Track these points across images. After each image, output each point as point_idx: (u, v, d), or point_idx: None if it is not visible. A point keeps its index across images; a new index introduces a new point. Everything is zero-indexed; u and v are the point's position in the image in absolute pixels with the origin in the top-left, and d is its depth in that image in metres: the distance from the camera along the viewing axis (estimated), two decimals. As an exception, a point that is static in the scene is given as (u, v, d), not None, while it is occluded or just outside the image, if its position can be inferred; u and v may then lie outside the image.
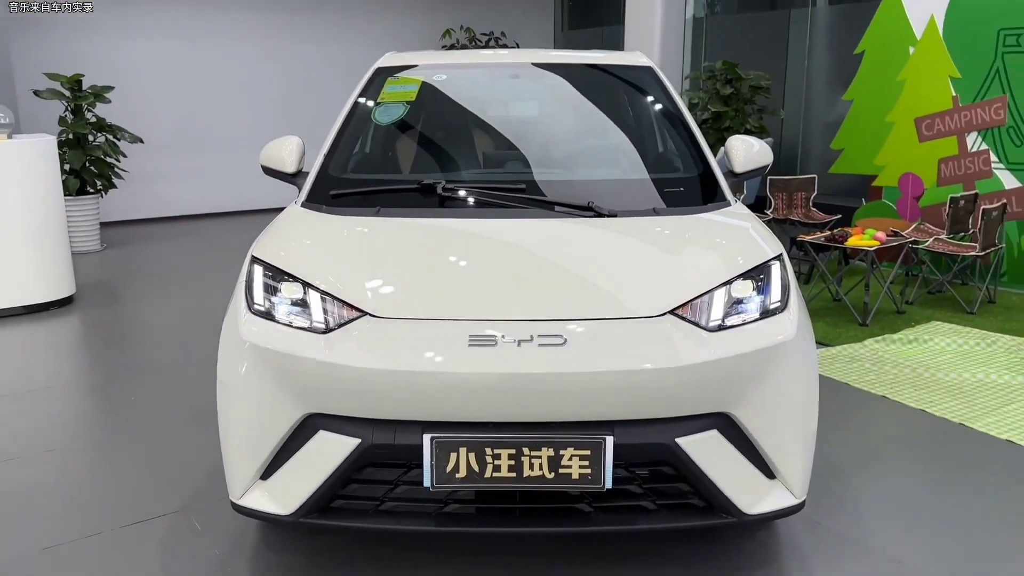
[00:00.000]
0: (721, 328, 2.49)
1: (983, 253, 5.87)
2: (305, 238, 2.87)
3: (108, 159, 8.10)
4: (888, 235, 5.84)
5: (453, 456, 2.34)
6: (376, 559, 2.75)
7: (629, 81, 3.78)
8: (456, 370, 2.33)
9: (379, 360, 2.36)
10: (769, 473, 2.53)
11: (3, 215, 5.64)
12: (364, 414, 2.40)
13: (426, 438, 2.33)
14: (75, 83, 7.95)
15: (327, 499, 2.46)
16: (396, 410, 2.37)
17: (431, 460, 2.34)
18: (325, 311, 2.49)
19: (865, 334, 5.31)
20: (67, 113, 8.02)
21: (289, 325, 2.50)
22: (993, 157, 6.64)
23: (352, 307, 2.48)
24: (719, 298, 2.54)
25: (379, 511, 2.49)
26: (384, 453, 2.39)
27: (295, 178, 3.35)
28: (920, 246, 6.06)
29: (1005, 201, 6.23)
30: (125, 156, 8.35)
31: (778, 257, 2.70)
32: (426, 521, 2.48)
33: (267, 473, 2.53)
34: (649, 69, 3.71)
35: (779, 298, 2.60)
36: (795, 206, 7.25)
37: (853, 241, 5.71)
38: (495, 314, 2.44)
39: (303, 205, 3.09)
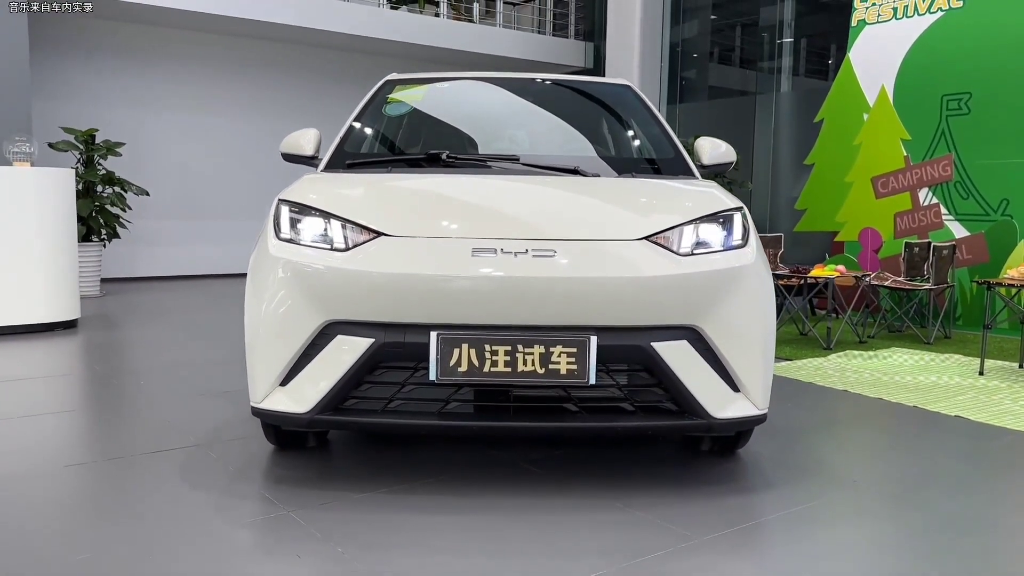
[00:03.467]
0: (690, 254, 2.87)
1: (935, 287, 6.33)
2: (326, 187, 3.26)
3: (114, 208, 8.51)
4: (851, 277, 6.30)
5: (456, 351, 2.66)
6: (380, 474, 3.00)
7: (611, 95, 4.29)
8: (460, 274, 2.69)
9: (392, 266, 2.71)
10: (734, 387, 2.86)
11: (22, 235, 5.98)
12: (377, 318, 2.72)
13: (432, 335, 2.66)
14: (89, 137, 8.44)
15: (341, 398, 2.75)
16: (406, 313, 2.71)
17: (437, 355, 2.66)
18: (345, 236, 2.85)
19: (828, 353, 5.68)
20: (79, 165, 8.47)
21: (312, 247, 2.85)
22: (943, 210, 7.21)
23: (369, 229, 2.84)
24: (688, 232, 2.93)
25: (388, 410, 2.78)
26: (395, 351, 2.71)
27: (312, 160, 3.76)
28: (879, 285, 6.52)
29: (954, 244, 6.75)
30: (131, 208, 8.77)
31: (739, 208, 3.11)
32: (430, 418, 2.77)
33: (287, 380, 2.82)
34: (628, 86, 4.23)
35: (740, 238, 3.00)
36: (764, 258, 7.72)
37: (816, 272, 6.16)
38: (495, 233, 2.81)
39: (322, 171, 3.49)
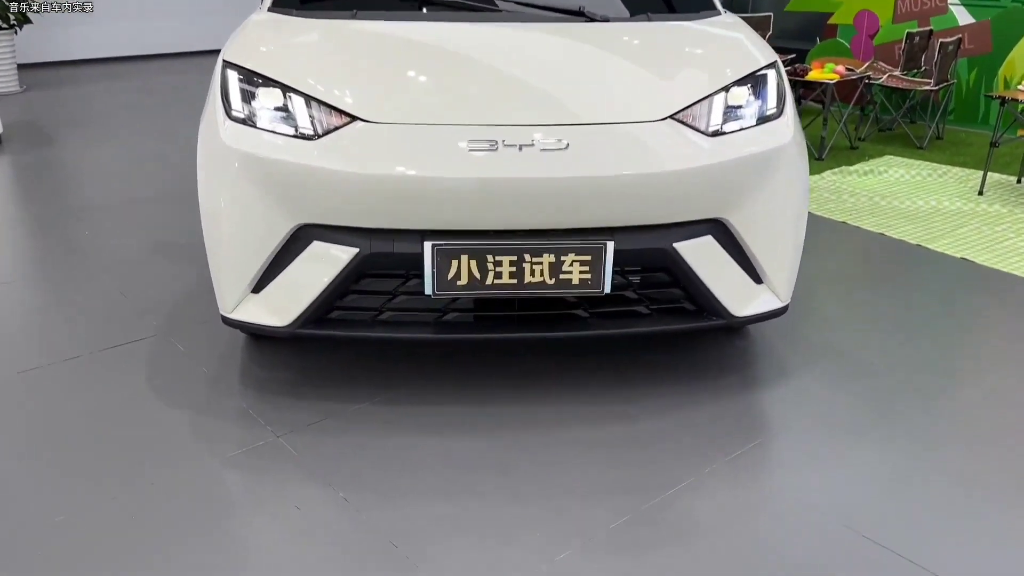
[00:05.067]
0: (719, 133, 2.47)
1: (936, 88, 5.94)
2: (279, 41, 2.69)
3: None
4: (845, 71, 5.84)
5: (455, 263, 2.32)
6: (369, 373, 2.77)
7: None
8: (456, 175, 2.27)
9: (376, 166, 2.28)
10: (757, 278, 2.60)
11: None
12: (361, 223, 2.34)
13: (427, 246, 2.30)
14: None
15: (324, 310, 2.43)
16: (394, 219, 2.32)
17: (432, 268, 2.32)
18: (311, 117, 2.37)
19: (822, 167, 5.40)
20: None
21: (273, 132, 2.38)
22: (950, -8, 6.60)
23: (340, 112, 2.36)
24: (717, 104, 2.51)
25: (377, 321, 2.48)
26: (383, 262, 2.36)
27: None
28: (876, 83, 6.09)
29: (959, 37, 6.25)
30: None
31: (772, 65, 2.66)
32: (425, 329, 2.48)
33: (259, 287, 2.47)
34: None
35: (775, 105, 2.59)
36: (752, 44, 7.14)
37: (814, 75, 5.69)
38: (494, 119, 2.36)
39: (270, 10, 2.89)
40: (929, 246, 4.03)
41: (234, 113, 2.43)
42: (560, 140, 2.33)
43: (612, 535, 2.07)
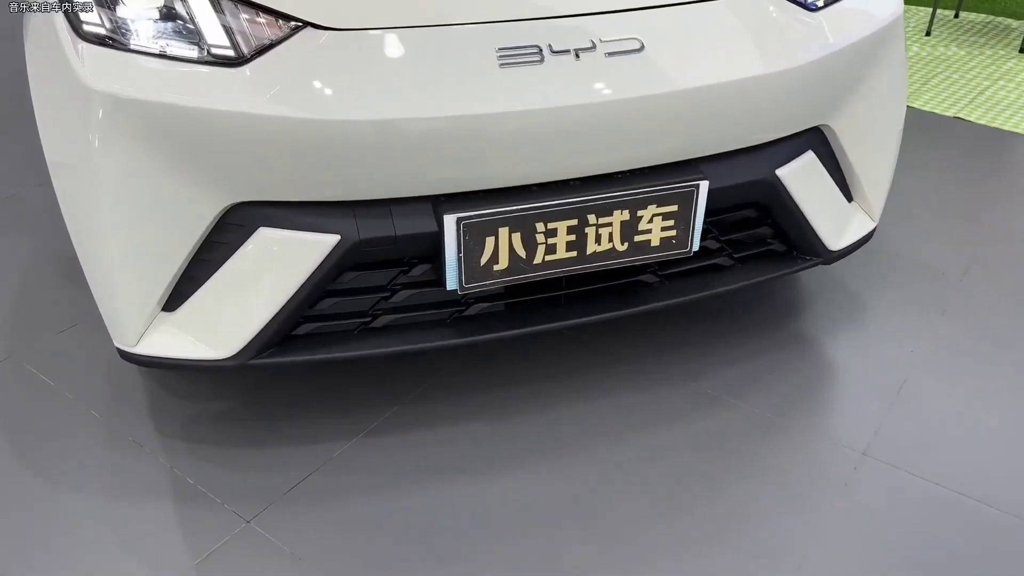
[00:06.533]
0: (825, 5, 1.75)
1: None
2: None
3: None
4: None
5: (490, 241, 1.54)
6: (345, 387, 1.97)
7: None
8: (486, 108, 1.45)
9: (351, 106, 1.41)
10: (848, 195, 1.99)
11: None
12: (334, 195, 1.49)
13: (448, 221, 1.49)
14: None
15: (288, 327, 1.60)
16: (390, 184, 1.49)
17: (458, 252, 1.52)
18: (228, 25, 1.43)
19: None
20: None
21: (163, 55, 1.43)
22: None
23: (278, 14, 1.44)
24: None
25: (367, 330, 1.67)
26: (376, 252, 1.53)
27: None
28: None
29: None
30: None
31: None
32: (439, 334, 1.69)
33: (174, 302, 1.59)
34: None
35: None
36: None
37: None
38: (531, 9, 1.51)
39: None
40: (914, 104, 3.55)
41: (88, 27, 1.44)
42: (631, 39, 1.53)
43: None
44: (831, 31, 1.71)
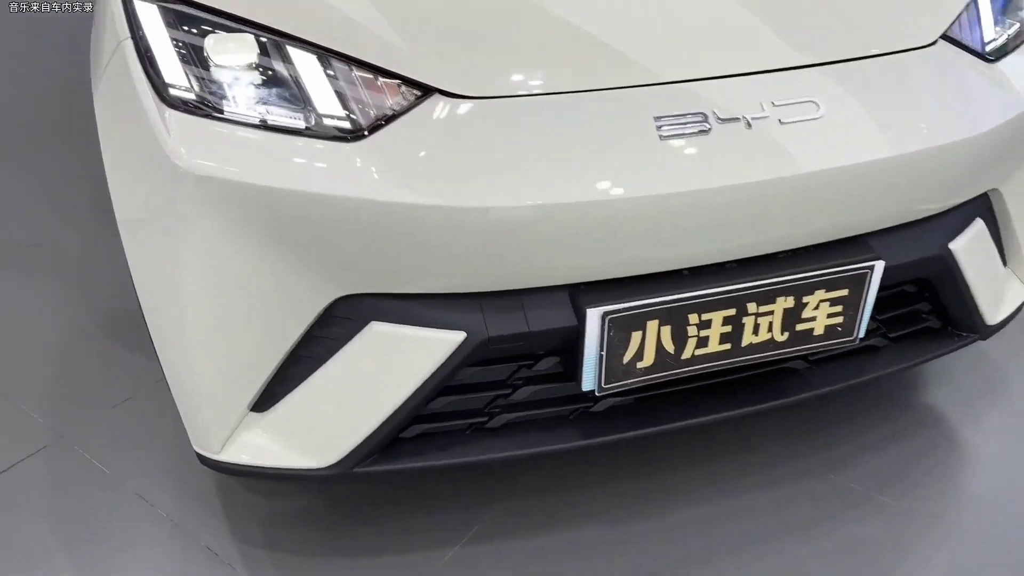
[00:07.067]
0: (1000, 54, 1.53)
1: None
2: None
3: None
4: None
5: (636, 336, 1.31)
6: (432, 486, 1.75)
7: None
8: (649, 191, 1.22)
9: (495, 187, 1.19)
10: (1003, 259, 1.76)
11: None
12: (461, 286, 1.27)
13: (593, 315, 1.27)
14: None
15: (397, 432, 1.38)
16: (525, 273, 1.26)
17: (600, 349, 1.30)
18: (342, 93, 1.22)
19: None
20: None
21: (263, 125, 1.21)
22: None
23: (400, 78, 1.22)
24: (984, 5, 1.56)
25: (481, 429, 1.45)
26: (507, 348, 1.31)
27: None
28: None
29: None
30: None
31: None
32: (564, 435, 1.47)
33: (265, 403, 1.38)
34: None
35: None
36: None
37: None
38: (692, 69, 1.29)
39: None
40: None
41: (174, 90, 1.23)
42: (808, 101, 1.31)
43: None
44: (1012, 86, 1.49)
